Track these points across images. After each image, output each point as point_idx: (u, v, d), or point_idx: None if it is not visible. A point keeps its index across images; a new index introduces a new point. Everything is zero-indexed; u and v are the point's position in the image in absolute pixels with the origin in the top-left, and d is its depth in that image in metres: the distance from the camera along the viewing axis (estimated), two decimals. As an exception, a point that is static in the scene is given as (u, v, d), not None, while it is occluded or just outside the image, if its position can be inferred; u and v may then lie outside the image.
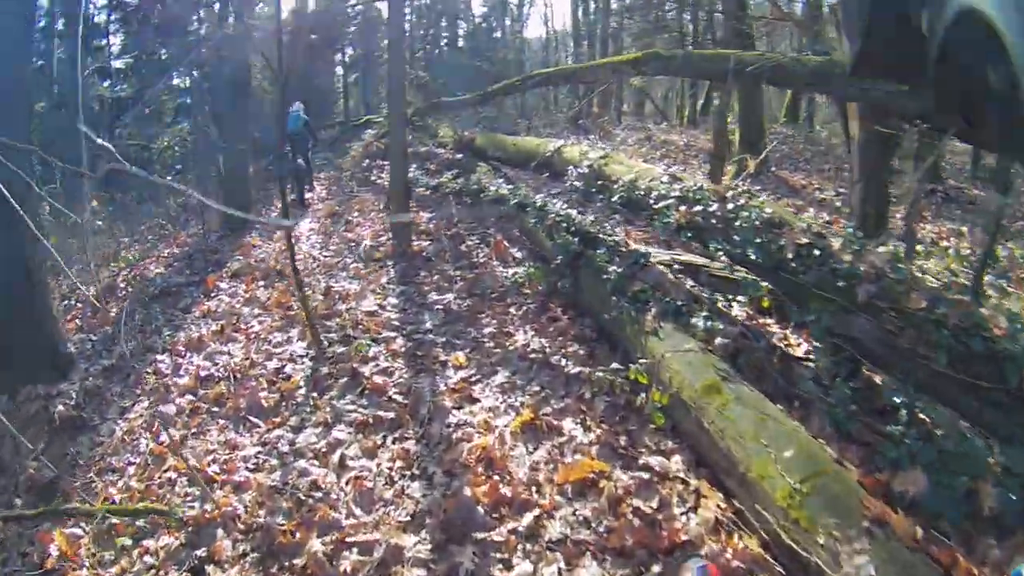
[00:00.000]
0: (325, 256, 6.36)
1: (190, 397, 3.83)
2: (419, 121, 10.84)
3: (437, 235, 6.09)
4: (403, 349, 3.95)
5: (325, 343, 4.09)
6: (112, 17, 14.16)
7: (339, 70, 20.58)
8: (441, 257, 5.54)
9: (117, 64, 15.04)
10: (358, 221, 7.50)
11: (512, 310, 4.27)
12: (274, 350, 4.17)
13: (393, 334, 4.18)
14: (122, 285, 5.90)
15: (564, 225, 4.25)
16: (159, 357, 4.32)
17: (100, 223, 7.87)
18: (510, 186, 4.89)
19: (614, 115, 14.90)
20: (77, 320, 5.30)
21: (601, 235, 4.01)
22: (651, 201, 3.76)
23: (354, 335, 4.15)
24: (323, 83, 19.03)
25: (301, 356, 4.04)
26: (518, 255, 5.33)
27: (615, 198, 4.11)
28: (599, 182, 4.42)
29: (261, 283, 5.69)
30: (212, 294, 5.51)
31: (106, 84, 13.22)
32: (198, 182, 9.13)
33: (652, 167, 4.37)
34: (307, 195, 9.40)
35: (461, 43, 20.15)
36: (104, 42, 14.28)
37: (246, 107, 8.43)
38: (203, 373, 4.00)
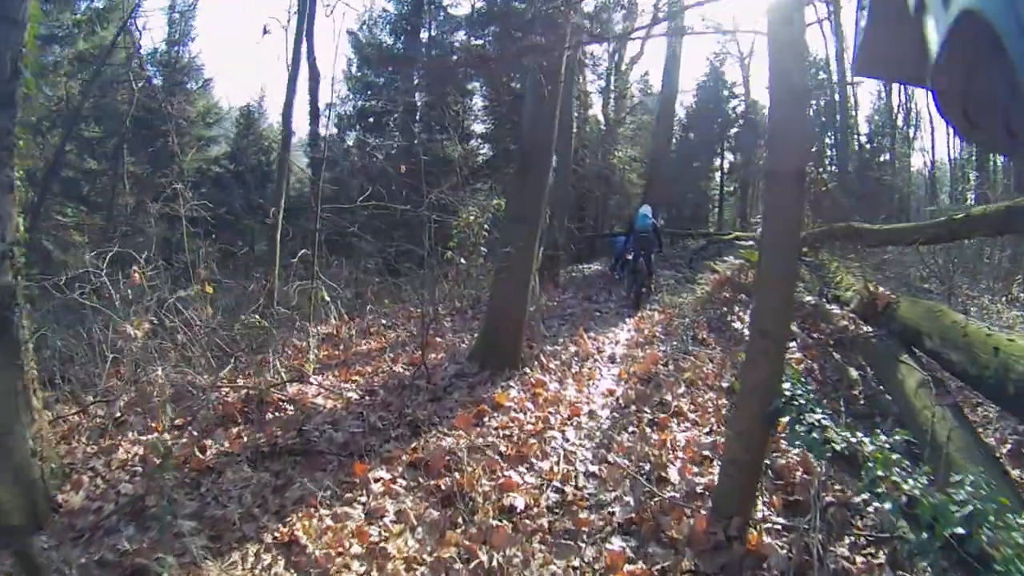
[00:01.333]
0: (597, 473, 3.45)
1: None
2: (808, 255, 7.54)
3: (808, 506, 2.77)
4: None
5: None
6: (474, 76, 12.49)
7: (717, 175, 19.32)
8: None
9: (478, 128, 14.37)
10: (678, 407, 4.44)
11: None
12: None
13: None
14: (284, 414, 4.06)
15: None
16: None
17: (328, 299, 6.27)
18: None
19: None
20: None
21: None
22: None
23: None
24: (697, 187, 17.74)
25: None
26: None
27: None
28: None
29: (432, 512, 2.99)
30: (347, 496, 3.08)
31: (465, 145, 12.55)
32: (478, 276, 7.10)
33: None
34: (642, 303, 8.42)
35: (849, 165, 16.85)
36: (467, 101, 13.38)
37: (540, 191, 5.64)
38: None
